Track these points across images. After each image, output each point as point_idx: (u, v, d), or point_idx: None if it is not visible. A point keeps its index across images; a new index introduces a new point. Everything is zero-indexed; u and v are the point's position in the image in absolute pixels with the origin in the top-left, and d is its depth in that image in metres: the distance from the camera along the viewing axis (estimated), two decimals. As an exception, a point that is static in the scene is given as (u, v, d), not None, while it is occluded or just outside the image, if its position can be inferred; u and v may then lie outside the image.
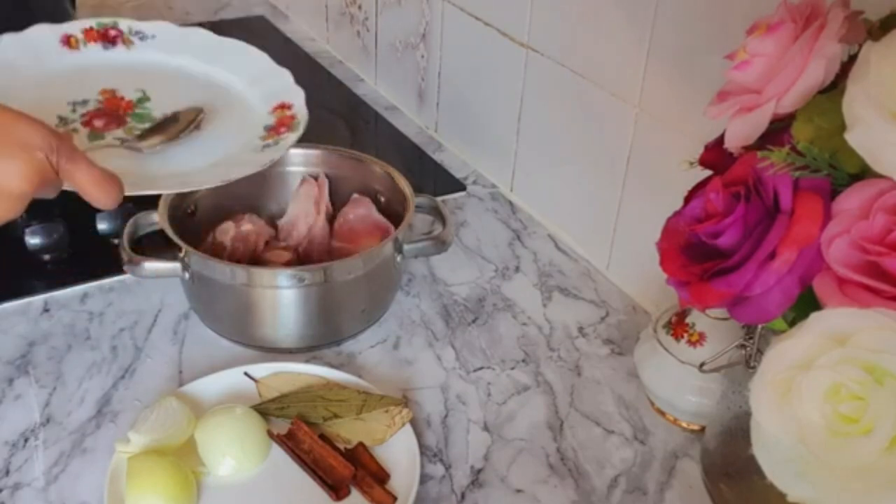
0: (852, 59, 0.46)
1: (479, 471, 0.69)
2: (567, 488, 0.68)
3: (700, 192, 0.52)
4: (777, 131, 0.48)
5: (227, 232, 0.85)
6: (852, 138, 0.42)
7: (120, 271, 0.81)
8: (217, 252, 0.83)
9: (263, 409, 0.71)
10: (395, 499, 0.65)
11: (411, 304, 0.87)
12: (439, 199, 0.90)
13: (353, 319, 0.81)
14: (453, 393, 0.76)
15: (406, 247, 0.82)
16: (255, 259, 0.85)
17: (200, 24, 1.51)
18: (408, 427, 0.69)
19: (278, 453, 0.69)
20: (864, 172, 0.44)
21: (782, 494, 0.40)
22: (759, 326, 0.60)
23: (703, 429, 0.72)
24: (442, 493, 0.67)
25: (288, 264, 0.84)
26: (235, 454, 0.67)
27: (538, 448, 0.71)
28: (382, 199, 0.89)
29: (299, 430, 0.69)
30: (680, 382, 0.71)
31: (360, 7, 1.29)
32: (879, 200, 0.42)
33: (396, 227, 0.81)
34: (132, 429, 0.66)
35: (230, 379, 0.74)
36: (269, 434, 0.69)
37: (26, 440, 0.69)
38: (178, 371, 0.77)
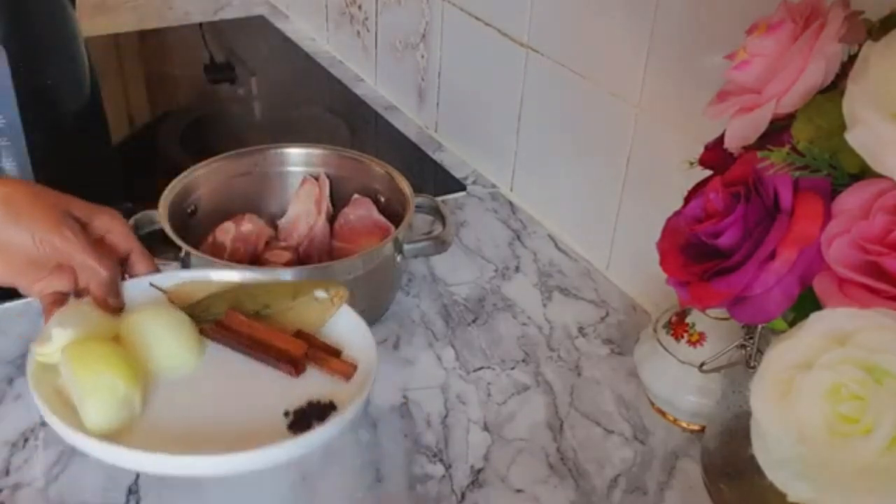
0: (852, 59, 0.46)
1: (479, 471, 0.69)
2: (567, 488, 0.68)
3: (700, 192, 0.52)
4: (777, 131, 0.48)
5: (227, 232, 0.85)
6: (852, 138, 0.42)
7: (120, 271, 0.81)
8: (217, 252, 0.83)
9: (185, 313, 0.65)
10: (354, 367, 0.61)
11: (411, 304, 0.87)
12: (439, 199, 0.90)
13: (353, 319, 0.81)
14: (453, 393, 0.76)
15: (406, 247, 0.82)
16: (255, 259, 0.85)
17: (200, 25, 1.52)
18: (346, 308, 0.65)
19: (214, 351, 0.63)
20: (864, 172, 0.44)
21: (782, 494, 0.40)
22: (759, 326, 0.59)
23: (703, 429, 0.72)
24: (442, 493, 0.67)
25: (288, 264, 0.84)
26: (170, 347, 0.62)
27: (538, 448, 0.71)
28: (382, 199, 0.89)
29: (234, 321, 0.63)
30: (680, 382, 0.71)
31: (360, 7, 1.29)
32: (879, 200, 0.42)
33: (396, 227, 0.81)
34: (50, 326, 0.60)
35: (135, 294, 0.68)
36: (202, 331, 0.63)
37: (26, 440, 0.69)
38: (178, 371, 0.77)
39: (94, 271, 0.64)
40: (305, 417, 0.60)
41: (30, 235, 0.63)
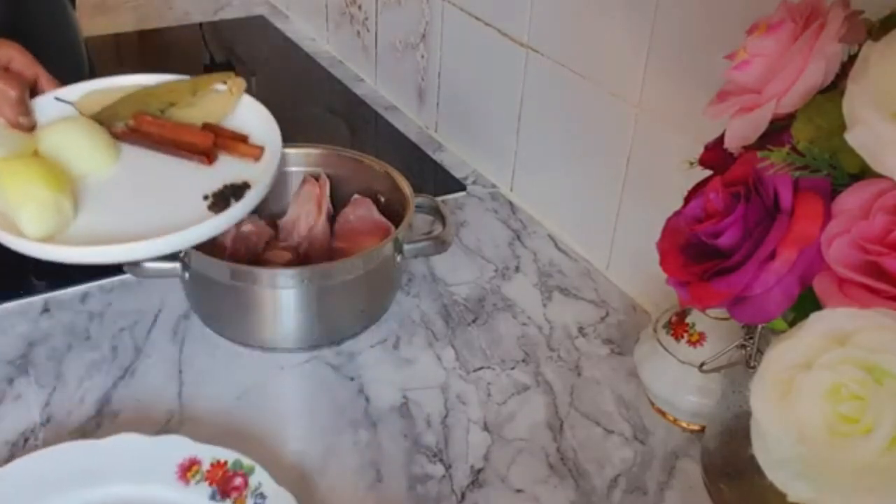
0: (852, 59, 0.46)
1: (479, 471, 0.69)
2: (567, 488, 0.68)
3: (700, 192, 0.52)
4: (777, 131, 0.48)
5: (227, 233, 0.85)
6: (852, 138, 0.42)
7: (120, 271, 0.81)
8: (217, 253, 0.83)
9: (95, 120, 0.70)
10: (261, 148, 0.67)
11: (411, 304, 0.87)
12: (439, 199, 0.90)
13: (352, 319, 0.81)
14: (453, 393, 0.76)
15: (406, 247, 0.82)
16: (255, 259, 0.85)
17: (200, 25, 1.52)
18: (247, 97, 0.69)
19: (130, 153, 0.68)
20: (864, 172, 0.44)
21: (782, 494, 0.40)
22: (759, 326, 0.59)
23: (703, 429, 0.72)
24: (442, 493, 0.67)
25: (288, 264, 0.84)
26: (87, 151, 0.66)
27: (538, 448, 0.71)
28: (382, 199, 0.89)
29: (143, 122, 0.67)
30: (680, 382, 0.71)
31: (360, 7, 1.29)
32: (879, 200, 0.42)
33: (396, 227, 0.81)
34: None
35: (42, 112, 0.71)
36: (114, 135, 0.68)
37: (26, 440, 0.69)
38: (178, 371, 0.77)
39: (2, 93, 0.68)
40: (224, 198, 0.68)
41: None
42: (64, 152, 0.67)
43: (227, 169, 0.68)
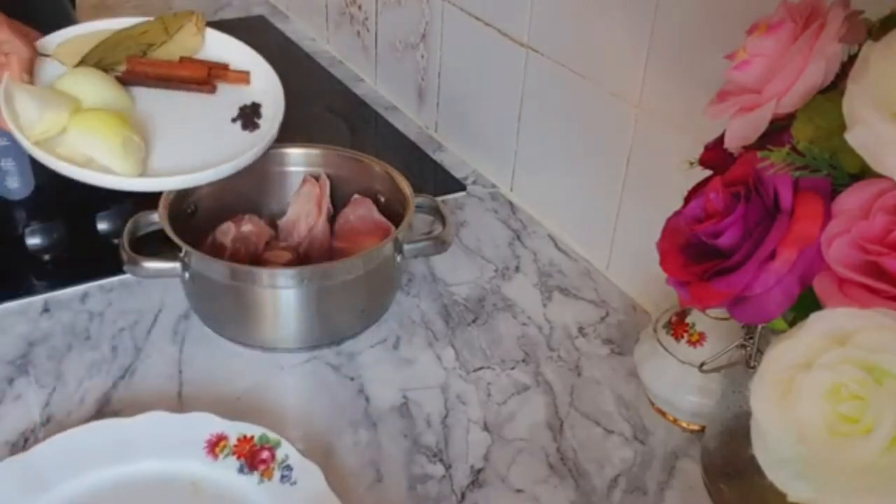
0: (852, 59, 0.46)
1: (479, 471, 0.69)
2: (567, 488, 0.68)
3: (700, 192, 0.52)
4: (777, 131, 0.48)
5: (227, 233, 0.85)
6: (852, 138, 0.42)
7: (120, 271, 0.81)
8: (217, 253, 0.83)
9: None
10: (247, 72, 0.74)
11: (411, 304, 0.87)
12: (439, 199, 0.90)
13: (352, 319, 0.81)
14: (453, 393, 0.76)
15: (406, 247, 0.82)
16: (255, 259, 0.85)
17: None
18: (210, 30, 0.75)
19: (137, 94, 0.74)
20: (864, 172, 0.44)
21: (782, 494, 0.40)
22: (759, 326, 0.59)
23: (703, 429, 0.72)
24: (442, 493, 0.67)
25: (288, 264, 0.84)
26: (110, 99, 0.72)
27: (538, 448, 0.71)
28: (382, 199, 0.89)
29: (137, 64, 0.73)
30: (680, 382, 0.71)
31: (360, 7, 1.29)
32: (879, 200, 0.42)
33: (396, 227, 0.81)
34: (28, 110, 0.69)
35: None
36: (118, 79, 0.73)
37: (26, 440, 0.69)
38: (178, 371, 0.77)
39: (18, 47, 0.70)
40: (248, 117, 0.75)
41: None
42: (99, 99, 0.72)
43: (230, 95, 0.76)
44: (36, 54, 0.73)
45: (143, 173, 0.73)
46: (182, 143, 0.76)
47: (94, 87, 0.73)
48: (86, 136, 0.69)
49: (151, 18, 0.78)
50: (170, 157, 0.75)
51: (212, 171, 0.74)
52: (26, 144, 0.71)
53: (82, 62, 0.74)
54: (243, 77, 0.76)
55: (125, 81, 0.75)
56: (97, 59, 0.74)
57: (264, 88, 0.77)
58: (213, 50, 0.78)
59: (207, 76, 0.75)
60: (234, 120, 0.76)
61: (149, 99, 0.76)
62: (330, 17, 1.40)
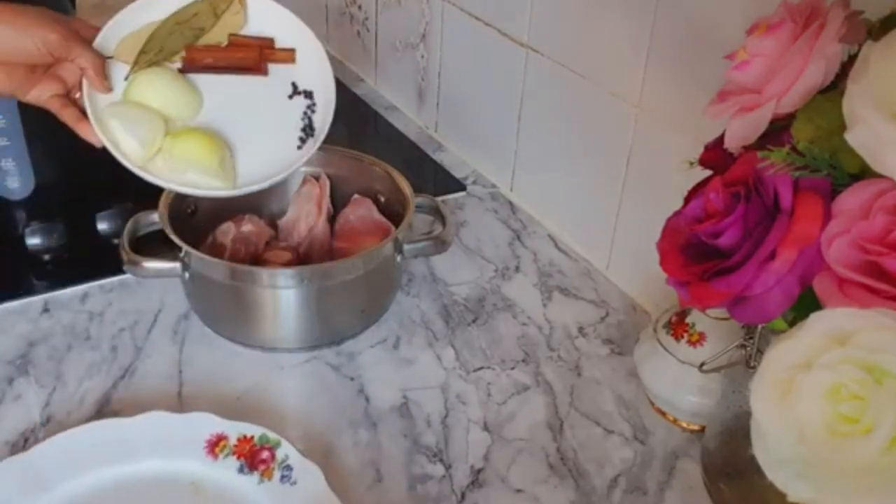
0: (852, 59, 0.46)
1: (479, 471, 0.69)
2: (567, 488, 0.68)
3: (700, 192, 0.52)
4: (777, 131, 0.48)
5: (227, 233, 0.85)
6: (852, 138, 0.42)
7: (120, 271, 0.81)
8: (217, 253, 0.83)
9: (147, 65, 0.74)
10: (293, 50, 0.76)
11: (411, 304, 0.87)
12: (439, 199, 0.90)
13: (353, 319, 0.81)
14: (453, 393, 0.76)
15: (406, 247, 0.82)
16: (255, 259, 0.85)
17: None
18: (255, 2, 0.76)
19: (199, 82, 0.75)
20: (864, 172, 0.44)
21: (782, 494, 0.40)
22: (759, 326, 0.59)
23: (703, 429, 0.72)
24: (442, 493, 0.67)
25: (288, 264, 0.84)
26: (186, 99, 0.74)
27: (538, 448, 0.71)
28: (382, 199, 0.89)
29: (194, 52, 0.74)
30: (680, 382, 0.71)
31: (360, 7, 1.29)
32: (879, 200, 0.42)
33: (396, 227, 0.81)
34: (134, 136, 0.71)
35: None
36: (179, 70, 0.74)
37: (26, 440, 0.69)
38: (178, 371, 0.77)
39: (89, 57, 0.70)
40: (305, 94, 0.77)
41: (32, 42, 0.68)
42: (183, 102, 0.74)
43: (279, 74, 0.77)
44: (103, 58, 0.72)
45: (242, 181, 0.75)
46: (255, 136, 0.77)
47: (166, 92, 0.74)
48: (184, 160, 0.72)
49: (197, 0, 0.77)
50: (252, 157, 0.76)
51: (299, 153, 0.77)
52: (135, 167, 0.72)
53: (142, 54, 0.74)
54: (289, 56, 0.76)
55: (186, 70, 0.76)
56: (157, 50, 0.74)
57: (312, 67, 0.78)
58: (258, 21, 0.78)
59: (259, 54, 0.76)
60: (290, 97, 0.77)
61: (210, 88, 0.77)
62: (330, 17, 1.40)
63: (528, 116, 0.99)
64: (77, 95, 0.72)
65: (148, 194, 0.81)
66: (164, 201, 0.80)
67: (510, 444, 0.72)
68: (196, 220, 0.85)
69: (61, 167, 0.89)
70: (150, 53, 0.74)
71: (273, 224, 0.90)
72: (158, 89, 0.73)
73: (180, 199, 0.83)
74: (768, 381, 0.41)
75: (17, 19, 0.68)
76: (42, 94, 0.71)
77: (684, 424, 0.73)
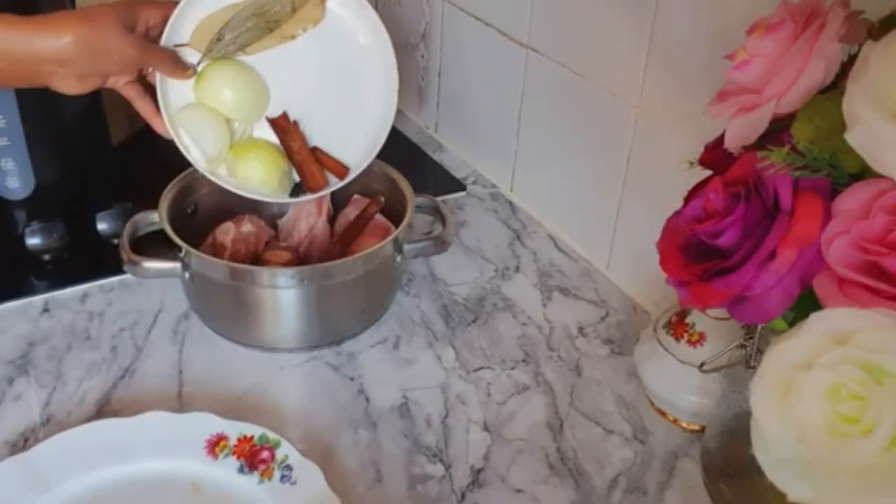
0: (852, 59, 0.46)
1: (479, 471, 0.69)
2: (567, 488, 0.68)
3: (700, 192, 0.52)
4: (777, 131, 0.48)
5: (227, 233, 0.85)
6: (852, 138, 0.42)
7: (120, 271, 0.81)
8: (217, 253, 0.83)
9: (220, 54, 0.75)
10: (347, 169, 0.81)
11: (411, 304, 0.87)
12: (439, 199, 0.90)
13: (353, 319, 0.81)
14: (453, 393, 0.76)
15: (406, 247, 0.82)
16: (255, 259, 0.85)
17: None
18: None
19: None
20: (864, 172, 0.44)
21: (782, 494, 0.40)
22: (759, 326, 0.59)
23: (703, 429, 0.72)
24: (442, 493, 0.67)
25: (288, 264, 0.84)
26: (261, 84, 0.78)
27: (538, 448, 0.71)
28: (382, 200, 0.89)
29: (284, 121, 0.79)
30: (680, 382, 0.71)
31: (360, 7, 1.29)
32: (879, 200, 0.42)
33: (396, 227, 0.81)
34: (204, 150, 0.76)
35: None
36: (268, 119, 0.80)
37: (26, 440, 0.69)
38: (178, 371, 0.77)
39: (165, 65, 0.72)
40: None
41: (114, 64, 0.69)
42: (238, 113, 0.77)
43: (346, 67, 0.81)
44: (176, 57, 0.74)
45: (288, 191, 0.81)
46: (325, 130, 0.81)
47: (237, 94, 0.76)
48: (247, 172, 0.76)
49: None
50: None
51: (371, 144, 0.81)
52: (203, 170, 0.77)
53: (217, 42, 0.74)
54: (341, 172, 0.83)
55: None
56: (231, 40, 0.75)
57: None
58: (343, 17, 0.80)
59: (321, 181, 0.82)
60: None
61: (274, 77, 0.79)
62: (330, 17, 1.40)
63: (528, 116, 0.99)
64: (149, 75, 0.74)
65: (148, 194, 0.81)
66: (164, 201, 0.80)
67: (510, 444, 0.72)
68: (196, 220, 0.85)
69: (61, 167, 0.89)
70: (224, 42, 0.75)
71: (273, 224, 0.90)
72: (229, 89, 0.76)
73: (180, 199, 0.83)
74: (768, 381, 0.41)
75: (99, 43, 0.66)
76: (119, 80, 0.72)
77: (684, 424, 0.73)
